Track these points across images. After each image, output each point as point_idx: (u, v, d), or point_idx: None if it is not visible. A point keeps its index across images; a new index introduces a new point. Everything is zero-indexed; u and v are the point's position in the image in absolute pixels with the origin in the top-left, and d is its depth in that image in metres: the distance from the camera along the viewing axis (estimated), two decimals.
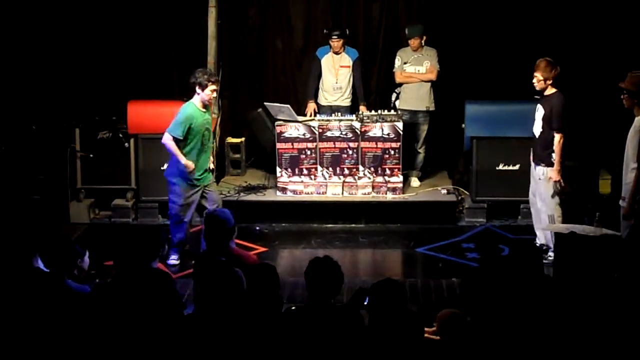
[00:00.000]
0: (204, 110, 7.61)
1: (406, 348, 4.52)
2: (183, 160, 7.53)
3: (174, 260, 7.86)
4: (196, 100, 7.58)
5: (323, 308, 4.83)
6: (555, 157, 7.52)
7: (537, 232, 7.95)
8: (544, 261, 7.07)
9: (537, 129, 7.64)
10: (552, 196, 7.63)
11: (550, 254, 7.51)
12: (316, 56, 9.60)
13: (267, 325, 4.70)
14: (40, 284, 5.04)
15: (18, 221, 8.19)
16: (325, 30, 9.60)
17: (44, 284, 5.04)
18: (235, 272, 4.79)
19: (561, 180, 7.58)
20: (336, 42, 9.43)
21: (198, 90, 7.52)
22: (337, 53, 9.50)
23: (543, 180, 7.64)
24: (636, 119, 6.66)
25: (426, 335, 4.85)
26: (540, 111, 7.59)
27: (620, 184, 6.88)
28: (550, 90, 7.51)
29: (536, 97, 7.71)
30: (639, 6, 9.00)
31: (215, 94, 7.71)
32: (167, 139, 7.52)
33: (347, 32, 9.50)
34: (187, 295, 6.40)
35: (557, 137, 7.49)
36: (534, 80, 7.51)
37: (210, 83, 7.50)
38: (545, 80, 7.45)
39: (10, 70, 9.30)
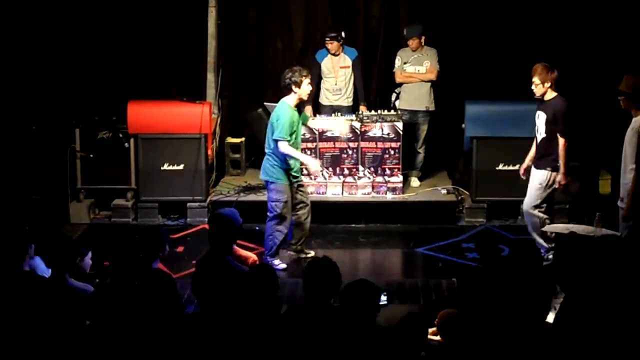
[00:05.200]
0: (295, 107, 7.59)
1: (406, 349, 4.53)
2: (308, 159, 7.70)
3: (282, 264, 7.77)
4: (290, 99, 7.55)
5: (321, 308, 4.83)
6: (560, 161, 7.40)
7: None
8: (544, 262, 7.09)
9: (540, 134, 7.48)
10: (541, 202, 7.51)
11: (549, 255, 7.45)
12: (315, 59, 9.58)
13: (265, 326, 4.70)
14: (41, 285, 5.05)
15: (18, 221, 8.18)
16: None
17: (46, 285, 5.05)
18: (241, 273, 4.78)
19: (570, 180, 7.50)
20: (330, 45, 9.43)
21: (295, 89, 7.49)
22: (335, 55, 9.51)
23: (543, 185, 7.47)
24: (634, 119, 6.64)
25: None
26: (541, 117, 7.43)
27: (620, 184, 6.87)
28: (551, 95, 7.38)
29: (537, 97, 7.68)
30: (637, 7, 9.00)
31: (312, 87, 7.68)
32: (284, 146, 7.43)
33: (343, 34, 9.49)
34: (187, 296, 6.41)
35: (562, 141, 7.35)
36: (533, 86, 7.38)
37: (304, 77, 7.49)
38: (543, 83, 7.33)
39: (10, 70, 9.30)
